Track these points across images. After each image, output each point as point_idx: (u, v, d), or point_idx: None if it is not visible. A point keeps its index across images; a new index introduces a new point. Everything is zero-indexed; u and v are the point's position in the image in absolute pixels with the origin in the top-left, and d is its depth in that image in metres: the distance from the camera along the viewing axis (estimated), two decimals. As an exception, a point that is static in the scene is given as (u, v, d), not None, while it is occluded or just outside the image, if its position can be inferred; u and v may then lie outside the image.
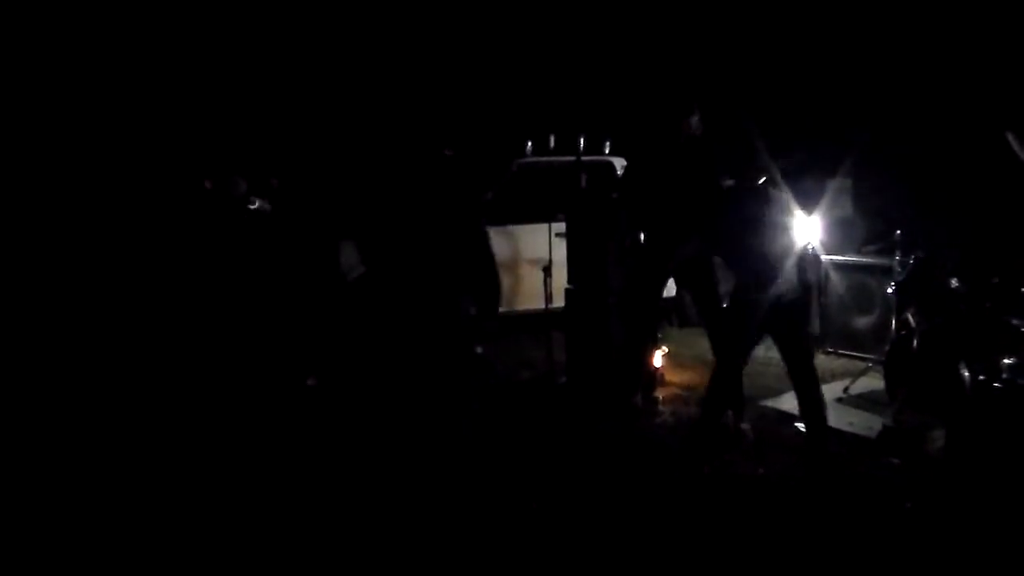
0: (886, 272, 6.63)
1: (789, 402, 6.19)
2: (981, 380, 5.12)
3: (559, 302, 6.85)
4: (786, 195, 4.92)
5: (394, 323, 7.06)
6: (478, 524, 4.40)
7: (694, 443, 5.03)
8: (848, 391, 6.39)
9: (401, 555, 4.10)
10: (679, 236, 5.76)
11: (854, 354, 7.31)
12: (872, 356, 6.70)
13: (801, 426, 5.60)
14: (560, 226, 7.02)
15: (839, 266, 7.51)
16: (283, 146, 8.79)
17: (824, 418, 4.93)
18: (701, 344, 7.12)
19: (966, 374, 5.14)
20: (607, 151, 9.31)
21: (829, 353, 7.57)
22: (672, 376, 6.90)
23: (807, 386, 4.94)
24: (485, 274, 7.25)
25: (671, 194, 5.84)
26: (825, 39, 11.38)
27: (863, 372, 6.54)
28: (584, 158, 7.17)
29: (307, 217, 7.07)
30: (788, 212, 4.91)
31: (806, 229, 7.63)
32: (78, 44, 10.15)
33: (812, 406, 4.92)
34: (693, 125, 5.86)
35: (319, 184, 7.69)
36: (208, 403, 6.31)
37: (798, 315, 4.93)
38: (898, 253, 6.23)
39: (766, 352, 5.84)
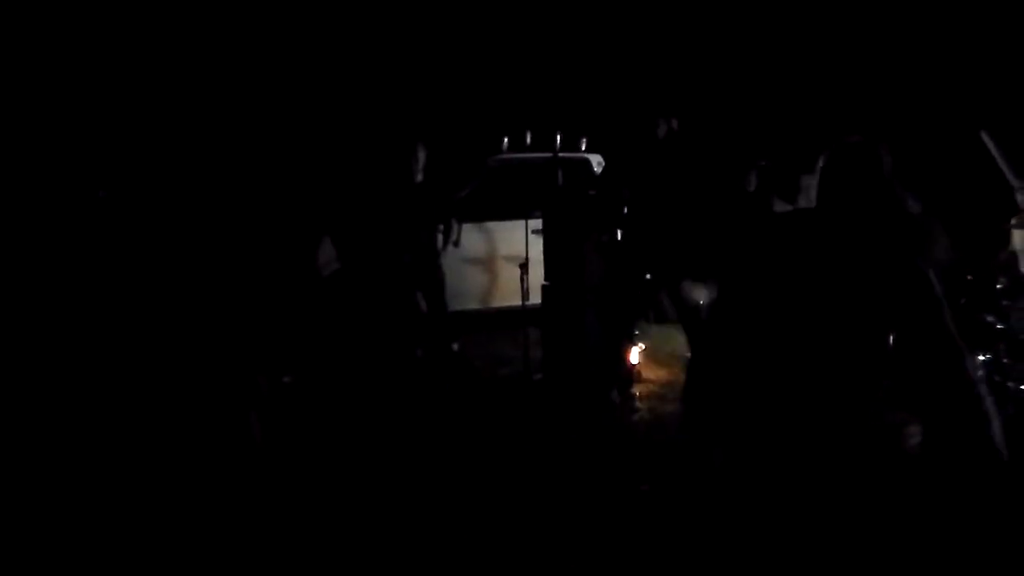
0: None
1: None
2: (957, 377, 5.13)
3: (536, 299, 6.83)
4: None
5: (365, 316, 7.06)
6: (453, 519, 4.38)
7: None
8: (825, 388, 6.40)
9: (377, 552, 4.07)
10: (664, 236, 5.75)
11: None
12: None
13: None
14: (537, 223, 7.00)
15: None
16: (263, 144, 8.72)
17: None
18: (678, 340, 7.12)
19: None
20: (584, 148, 9.31)
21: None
22: (649, 372, 6.88)
23: None
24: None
25: (649, 191, 5.85)
26: (803, 37, 11.43)
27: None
28: (561, 155, 7.16)
29: (286, 213, 7.02)
30: None
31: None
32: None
33: None
34: (671, 123, 5.86)
35: (298, 181, 7.65)
36: (184, 399, 6.26)
37: None
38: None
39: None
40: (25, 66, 9.47)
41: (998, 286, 5.27)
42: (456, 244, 7.74)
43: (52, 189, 7.30)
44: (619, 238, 6.12)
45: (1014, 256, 5.69)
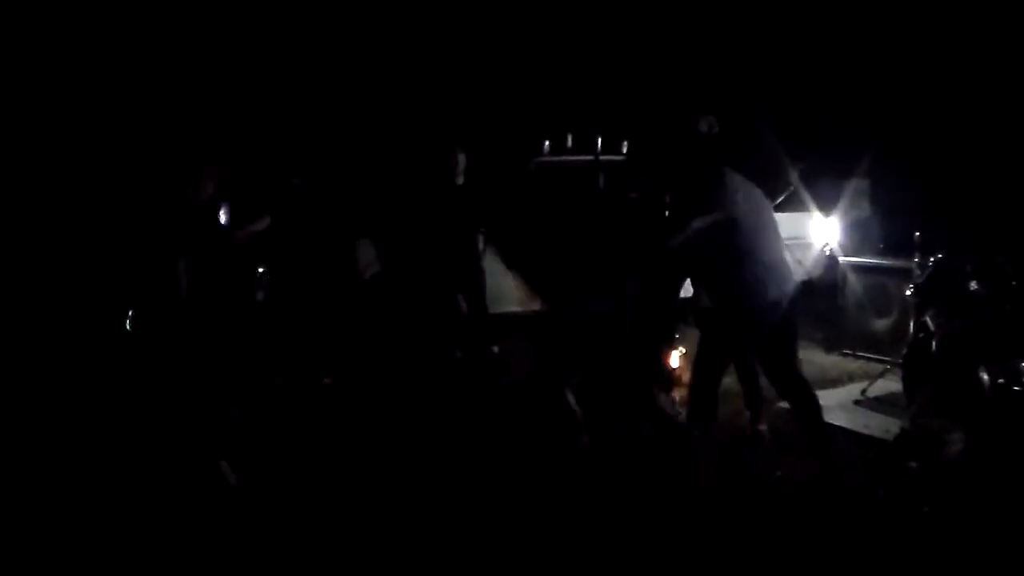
0: (905, 274, 6.61)
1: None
2: (1000, 383, 5.09)
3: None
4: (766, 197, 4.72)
5: (405, 318, 7.11)
6: (488, 522, 4.41)
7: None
8: (865, 393, 6.36)
9: (408, 553, 4.11)
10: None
11: (872, 356, 7.28)
12: (890, 358, 6.66)
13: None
14: (575, 226, 7.00)
15: (857, 268, 7.48)
16: (303, 147, 8.81)
17: (822, 423, 4.72)
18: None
19: (985, 377, 5.11)
20: (625, 151, 9.30)
21: (847, 355, 7.55)
22: (689, 376, 6.85)
23: (799, 398, 4.69)
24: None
25: (685, 195, 5.83)
26: (844, 39, 11.34)
27: (881, 374, 6.51)
28: (602, 158, 7.16)
29: (327, 216, 7.09)
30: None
31: (824, 230, 7.64)
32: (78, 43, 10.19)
33: (809, 419, 4.67)
34: (707, 126, 5.83)
35: (339, 183, 7.72)
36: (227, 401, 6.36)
37: (787, 328, 4.61)
38: (917, 255, 6.20)
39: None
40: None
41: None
42: (497, 246, 7.78)
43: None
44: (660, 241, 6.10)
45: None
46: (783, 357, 4.68)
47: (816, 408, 4.68)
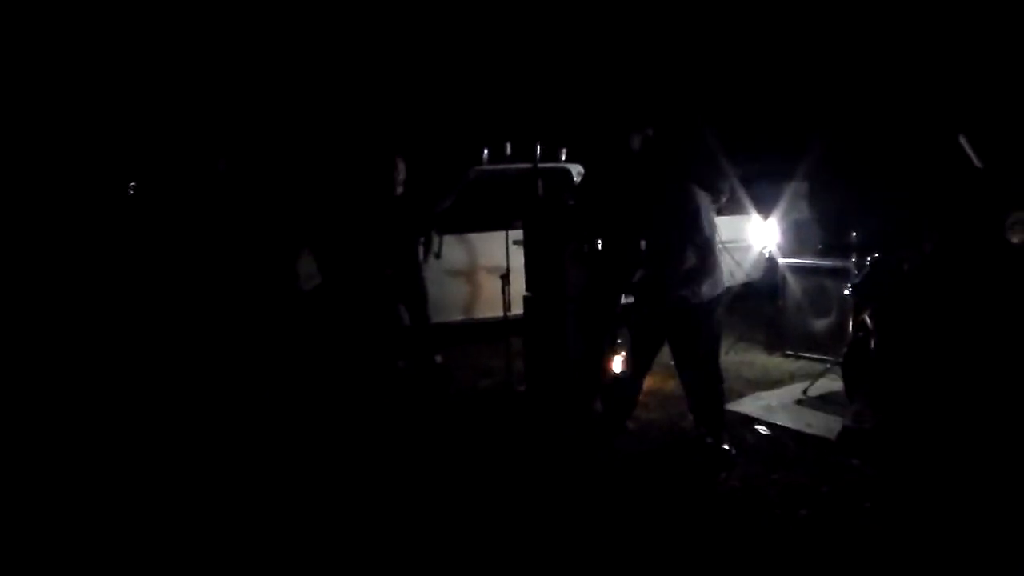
0: (843, 274, 6.68)
1: (749, 405, 6.22)
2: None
3: (518, 309, 6.81)
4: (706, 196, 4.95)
5: (347, 329, 7.05)
6: (433, 530, 4.36)
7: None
8: (807, 393, 6.41)
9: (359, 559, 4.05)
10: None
11: (813, 356, 7.35)
12: (831, 358, 6.72)
13: (763, 429, 5.63)
14: (517, 233, 6.98)
15: (796, 268, 7.54)
16: (245, 156, 8.69)
17: (721, 424, 5.16)
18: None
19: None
20: (563, 158, 9.30)
21: (788, 355, 7.61)
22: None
23: (700, 393, 5.15)
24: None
25: (626, 201, 5.83)
26: (781, 46, 11.49)
27: (821, 374, 6.57)
28: (541, 165, 7.15)
29: (266, 227, 7.00)
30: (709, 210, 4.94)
31: (764, 232, 7.71)
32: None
33: (708, 412, 5.17)
34: (647, 132, 5.85)
35: (280, 194, 7.64)
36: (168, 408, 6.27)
37: (695, 322, 4.99)
38: (854, 255, 6.26)
39: (724, 355, 5.85)
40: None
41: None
42: (438, 256, 7.73)
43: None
44: (599, 247, 6.10)
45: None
46: (693, 351, 5.08)
47: (720, 404, 5.22)
